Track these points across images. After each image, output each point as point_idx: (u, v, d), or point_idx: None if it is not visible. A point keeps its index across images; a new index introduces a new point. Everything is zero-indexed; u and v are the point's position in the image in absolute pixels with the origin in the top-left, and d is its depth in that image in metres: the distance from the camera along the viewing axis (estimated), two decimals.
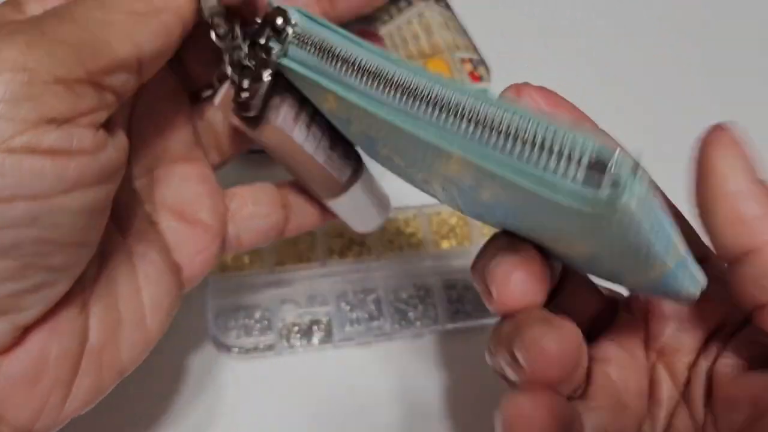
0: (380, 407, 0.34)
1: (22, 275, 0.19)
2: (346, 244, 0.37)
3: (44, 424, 0.22)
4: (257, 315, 0.35)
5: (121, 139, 0.21)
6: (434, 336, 0.36)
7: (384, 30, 0.44)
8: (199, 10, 0.22)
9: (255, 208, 0.28)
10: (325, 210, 0.29)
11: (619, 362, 0.23)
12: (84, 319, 0.22)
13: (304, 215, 0.29)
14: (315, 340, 0.35)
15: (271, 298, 0.35)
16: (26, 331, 0.21)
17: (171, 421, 0.33)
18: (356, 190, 0.28)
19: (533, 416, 0.19)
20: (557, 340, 0.20)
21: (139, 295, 0.24)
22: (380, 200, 0.30)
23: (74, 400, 0.22)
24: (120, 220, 0.24)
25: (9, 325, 0.20)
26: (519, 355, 0.20)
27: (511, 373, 0.21)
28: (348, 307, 0.36)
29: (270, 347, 0.34)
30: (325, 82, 0.21)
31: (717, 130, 0.19)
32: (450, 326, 0.36)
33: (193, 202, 0.26)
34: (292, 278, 0.36)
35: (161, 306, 0.25)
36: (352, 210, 0.29)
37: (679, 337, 0.23)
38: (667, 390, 0.23)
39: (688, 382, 0.23)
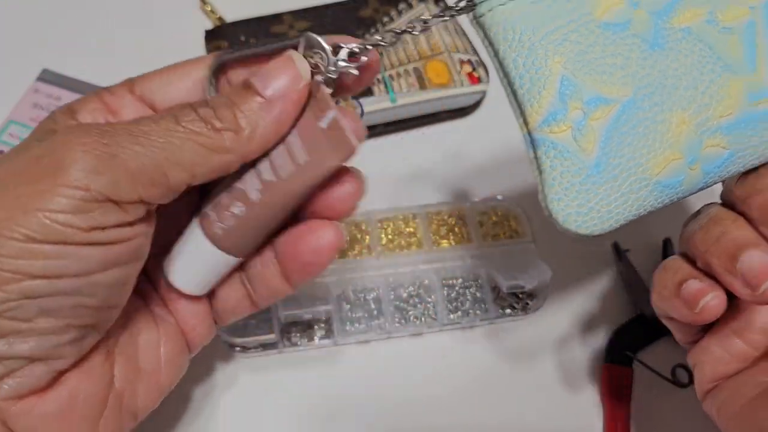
0: (380, 405, 0.35)
1: (62, 332, 0.22)
2: (347, 243, 0.38)
3: None
4: (259, 313, 0.35)
5: (150, 226, 0.23)
6: (433, 334, 0.37)
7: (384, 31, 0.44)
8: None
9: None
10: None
11: None
12: (110, 367, 0.25)
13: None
14: (316, 338, 0.36)
15: None
16: (60, 374, 0.23)
17: (173, 418, 0.34)
18: (222, 255, 0.25)
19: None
20: None
21: (158, 350, 0.27)
22: (212, 284, 0.27)
23: None
24: (144, 289, 0.27)
25: (48, 368, 0.23)
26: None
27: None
28: (348, 306, 0.36)
29: (272, 345, 0.35)
30: None
31: None
32: (449, 324, 0.36)
33: None
34: None
35: (174, 362, 0.27)
36: (197, 257, 0.26)
37: None
38: None
39: None
